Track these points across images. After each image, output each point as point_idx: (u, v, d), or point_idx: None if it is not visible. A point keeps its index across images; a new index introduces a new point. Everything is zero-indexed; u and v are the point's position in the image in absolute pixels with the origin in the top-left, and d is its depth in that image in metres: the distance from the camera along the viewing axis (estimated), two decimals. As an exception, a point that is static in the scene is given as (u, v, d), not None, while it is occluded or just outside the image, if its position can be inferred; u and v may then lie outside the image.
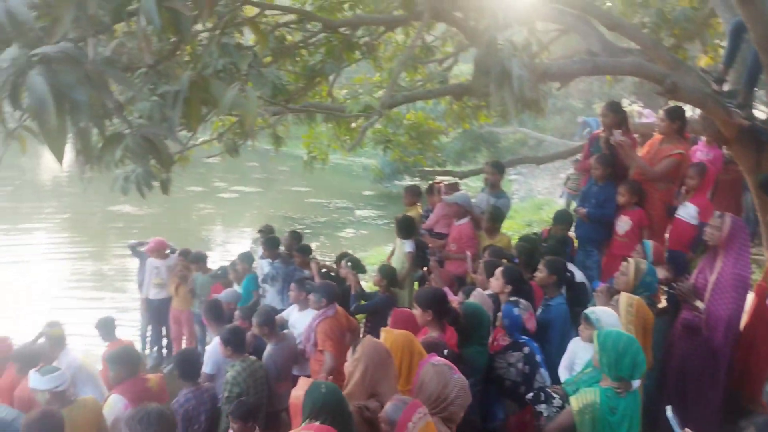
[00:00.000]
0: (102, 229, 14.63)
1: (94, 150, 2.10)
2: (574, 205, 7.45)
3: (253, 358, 4.64)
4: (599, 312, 3.66)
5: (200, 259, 7.37)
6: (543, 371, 3.85)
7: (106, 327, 5.69)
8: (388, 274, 5.66)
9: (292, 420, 2.78)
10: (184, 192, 18.45)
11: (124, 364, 4.25)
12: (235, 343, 4.50)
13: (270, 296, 6.74)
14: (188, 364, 4.47)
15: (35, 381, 3.84)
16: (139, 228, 13.46)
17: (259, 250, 7.35)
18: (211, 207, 17.43)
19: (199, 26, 4.27)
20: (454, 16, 4.64)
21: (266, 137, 8.51)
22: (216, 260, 9.44)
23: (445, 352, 3.34)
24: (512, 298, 4.19)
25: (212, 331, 5.41)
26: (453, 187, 6.93)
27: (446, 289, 4.66)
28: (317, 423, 2.42)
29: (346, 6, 6.95)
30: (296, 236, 7.37)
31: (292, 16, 6.38)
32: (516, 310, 4.00)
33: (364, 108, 4.34)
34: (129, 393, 4.10)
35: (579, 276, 5.23)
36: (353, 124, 8.32)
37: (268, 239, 7.07)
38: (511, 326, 4.00)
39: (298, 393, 2.65)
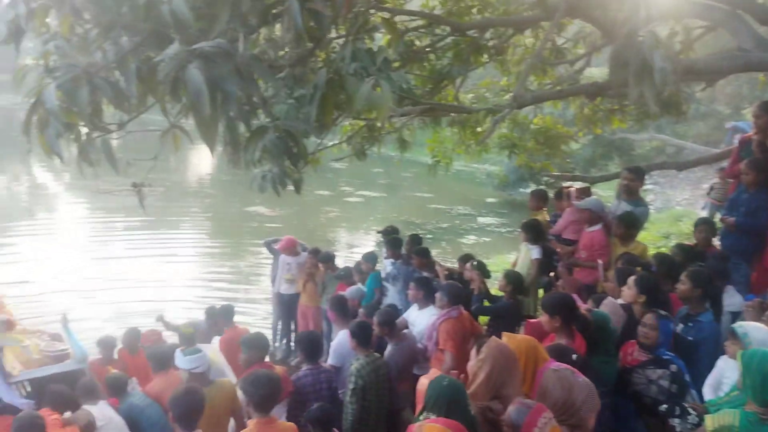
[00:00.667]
0: (238, 227, 15.66)
1: (240, 141, 2.24)
2: (718, 216, 6.85)
3: (376, 354, 4.73)
4: (749, 327, 3.32)
5: (329, 259, 7.65)
6: (693, 392, 3.57)
7: (227, 313, 6.26)
8: (514, 280, 5.52)
9: (417, 406, 2.80)
10: (313, 195, 19.31)
11: (257, 349, 4.52)
12: (361, 336, 4.61)
13: (391, 295, 6.85)
14: (311, 344, 4.68)
15: (179, 360, 4.20)
16: (271, 228, 14.25)
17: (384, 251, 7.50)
18: (337, 210, 18.06)
19: (332, 34, 4.45)
20: (590, 12, 4.45)
21: (392, 142, 8.67)
22: (341, 261, 9.75)
23: (573, 357, 3.19)
24: (662, 312, 3.92)
25: (337, 325, 5.58)
26: (584, 192, 6.61)
27: (574, 296, 4.45)
28: (434, 416, 2.41)
29: (474, 10, 6.93)
30: (416, 239, 7.42)
31: (420, 21, 6.47)
32: (671, 326, 3.75)
33: (492, 108, 4.27)
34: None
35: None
36: (479, 128, 8.24)
37: (391, 239, 7.19)
38: (663, 342, 3.75)
39: (424, 381, 2.66)
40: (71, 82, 1.79)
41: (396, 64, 6.31)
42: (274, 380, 3.59)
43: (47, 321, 8.54)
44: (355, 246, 14.39)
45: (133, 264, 12.00)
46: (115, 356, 5.68)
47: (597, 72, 10.35)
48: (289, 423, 3.79)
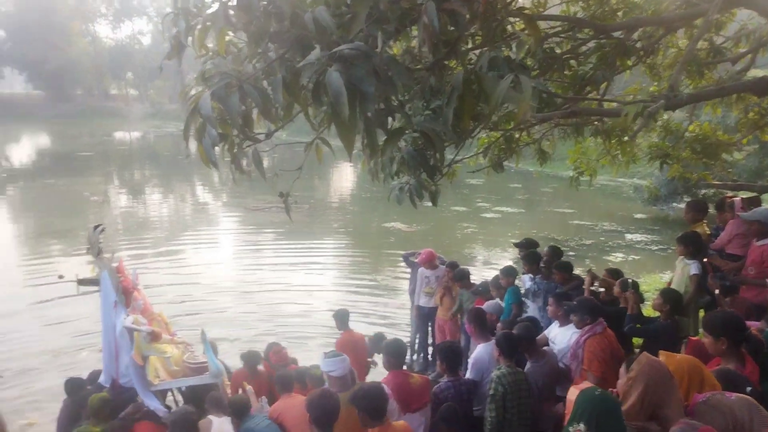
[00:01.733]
0: (377, 242, 16.05)
1: (378, 144, 2.26)
2: None
3: (519, 369, 4.57)
4: None
5: (464, 276, 7.53)
6: None
7: (342, 318, 6.46)
8: (672, 298, 5.06)
9: (566, 416, 2.63)
10: (449, 211, 19.32)
11: (396, 355, 4.56)
12: (506, 347, 4.48)
13: (531, 312, 6.58)
14: (452, 355, 4.62)
15: (321, 363, 4.35)
16: (408, 243, 14.43)
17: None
18: (474, 226, 17.87)
19: (468, 44, 4.40)
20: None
21: (531, 156, 8.40)
22: (477, 278, 9.60)
23: (748, 389, 2.81)
24: None
25: (475, 338, 5.46)
26: (752, 202, 5.92)
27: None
28: (584, 427, 2.23)
29: (620, 14, 6.54)
30: (556, 251, 7.07)
31: (560, 27, 6.22)
32: None
33: (642, 109, 3.96)
34: (392, 383, 4.38)
35: None
36: (625, 138, 7.73)
37: (529, 254, 6.92)
38: None
39: (574, 390, 2.48)
40: (224, 89, 1.92)
41: (534, 73, 6.12)
42: (381, 392, 3.69)
43: (206, 319, 9.46)
44: (491, 262, 14.12)
45: (279, 273, 12.83)
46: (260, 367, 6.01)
47: (763, 74, 9.30)
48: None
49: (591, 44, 6.38)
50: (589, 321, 4.76)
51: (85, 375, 5.93)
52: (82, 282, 11.12)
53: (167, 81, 68.17)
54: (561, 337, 5.18)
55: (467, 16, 2.09)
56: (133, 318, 5.23)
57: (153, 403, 4.99)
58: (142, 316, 5.41)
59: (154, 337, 5.19)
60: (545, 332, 5.57)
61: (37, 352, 8.83)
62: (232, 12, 2.03)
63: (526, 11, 5.76)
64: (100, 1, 75.91)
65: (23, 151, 42.73)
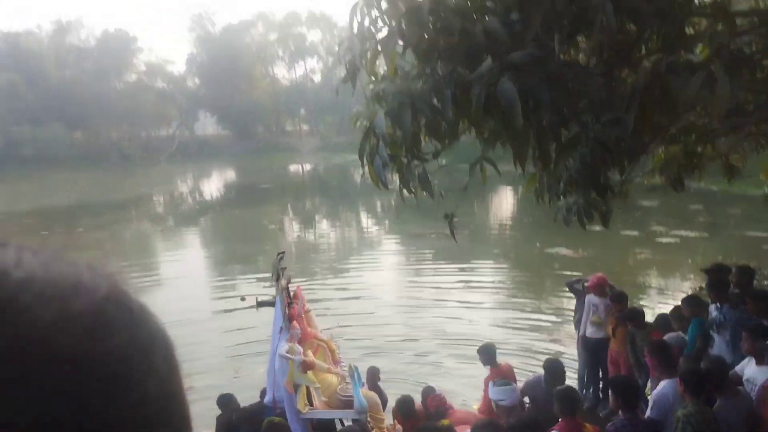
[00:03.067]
0: (539, 269, 15.47)
1: (551, 156, 2.17)
2: None
3: (708, 407, 4.08)
4: None
5: (636, 316, 6.87)
6: None
7: (488, 353, 6.10)
8: None
9: None
10: (619, 236, 18.05)
11: (568, 403, 4.29)
12: (692, 383, 4.05)
13: (717, 345, 5.85)
14: (629, 390, 4.26)
15: (490, 391, 4.24)
16: (574, 269, 13.71)
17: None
18: (648, 252, 16.52)
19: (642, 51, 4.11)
20: None
21: (715, 173, 7.58)
22: (651, 311, 8.81)
23: None
24: None
25: (657, 373, 4.98)
26: None
27: None
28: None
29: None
30: (746, 271, 6.22)
31: (747, 25, 5.58)
32: None
33: None
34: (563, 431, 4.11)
35: None
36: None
37: (714, 280, 6.18)
38: None
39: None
40: (398, 108, 1.96)
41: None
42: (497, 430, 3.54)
43: (373, 333, 9.72)
44: (667, 292, 12.90)
45: (441, 296, 12.84)
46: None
47: None
48: None
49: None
50: None
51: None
52: (261, 304, 12.05)
53: (335, 115, 72.75)
54: (761, 376, 4.53)
55: (650, 12, 1.94)
56: (288, 346, 5.52)
57: (299, 431, 5.20)
58: (300, 344, 5.66)
59: (306, 366, 5.42)
60: (736, 368, 4.93)
61: (220, 367, 9.68)
62: (404, 30, 2.09)
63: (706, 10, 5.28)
64: (278, 46, 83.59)
65: (213, 185, 48.07)
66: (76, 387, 0.34)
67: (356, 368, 5.74)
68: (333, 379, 5.99)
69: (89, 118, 66.75)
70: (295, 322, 5.81)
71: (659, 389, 4.63)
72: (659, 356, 4.85)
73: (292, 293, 6.32)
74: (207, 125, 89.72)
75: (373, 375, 6.60)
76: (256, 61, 78.94)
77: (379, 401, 5.79)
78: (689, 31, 4.40)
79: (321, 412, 5.54)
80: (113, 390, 0.36)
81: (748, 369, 4.78)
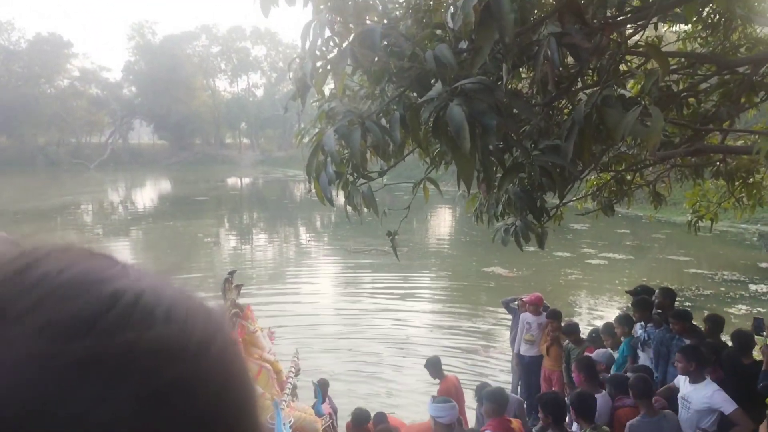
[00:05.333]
0: (476, 287, 15.76)
1: (495, 179, 2.24)
2: None
3: (606, 429, 4.27)
4: None
5: (573, 332, 7.17)
6: None
7: (435, 366, 6.32)
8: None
9: None
10: (552, 257, 18.67)
11: (496, 403, 4.41)
12: (581, 409, 4.23)
13: (642, 362, 6.15)
14: (556, 407, 4.42)
15: (429, 407, 4.27)
16: (508, 288, 14.06)
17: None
18: (578, 272, 17.13)
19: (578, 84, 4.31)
20: None
21: (643, 198, 7.99)
22: (583, 327, 9.14)
23: None
24: None
25: (584, 389, 5.16)
26: None
27: None
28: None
29: (743, 50, 6.18)
30: (669, 294, 6.58)
31: (677, 65, 5.95)
32: None
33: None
34: (494, 430, 4.22)
35: None
36: (750, 179, 7.21)
37: (639, 300, 6.51)
38: None
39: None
40: (347, 126, 1.98)
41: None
42: None
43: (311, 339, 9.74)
44: (597, 311, 13.43)
45: (375, 319, 12.91)
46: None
47: None
48: None
49: (712, 81, 6.04)
50: None
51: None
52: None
53: (276, 130, 72.24)
54: (694, 395, 4.74)
55: (589, 49, 2.04)
56: None
57: None
58: None
59: None
60: (675, 381, 5.16)
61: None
62: (356, 52, 2.11)
63: (641, 49, 5.59)
64: (220, 59, 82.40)
65: (147, 195, 46.52)
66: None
67: (316, 384, 5.92)
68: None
69: (16, 123, 63.54)
70: None
71: None
72: (585, 372, 5.03)
73: (235, 313, 6.17)
74: (143, 134, 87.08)
75: (323, 386, 6.67)
76: (197, 73, 77.50)
77: (311, 426, 5.72)
78: (623, 68, 4.66)
79: None
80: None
81: (683, 387, 5.01)
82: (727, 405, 4.51)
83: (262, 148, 78.85)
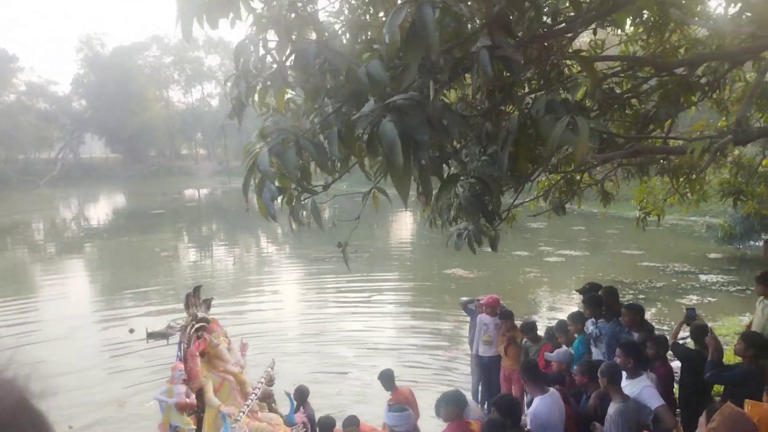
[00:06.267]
0: (438, 289, 15.88)
1: (432, 192, 2.27)
2: None
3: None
4: None
5: (531, 329, 7.30)
6: None
7: (387, 378, 6.32)
8: (755, 342, 4.74)
9: None
10: (510, 256, 18.97)
11: (455, 406, 4.46)
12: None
13: (595, 357, 6.29)
14: (510, 408, 4.48)
15: (386, 415, 4.28)
16: (469, 289, 14.21)
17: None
18: (536, 270, 17.45)
19: (524, 89, 4.40)
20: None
21: (593, 198, 8.18)
22: (542, 324, 9.33)
23: None
24: None
25: (530, 391, 5.26)
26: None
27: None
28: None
29: (681, 50, 6.41)
30: (611, 291, 6.78)
31: (619, 67, 6.14)
32: None
33: (709, 145, 3.81)
34: None
35: None
36: (693, 175, 7.48)
37: (590, 297, 6.68)
38: None
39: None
40: (281, 144, 1.98)
41: (593, 114, 6.03)
42: None
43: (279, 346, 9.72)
44: (556, 308, 13.69)
45: (340, 322, 12.89)
46: None
47: None
48: None
49: (652, 82, 6.25)
50: None
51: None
52: (151, 335, 11.47)
53: (233, 139, 71.29)
54: (630, 388, 4.88)
55: (521, 61, 2.10)
56: (167, 388, 5.46)
57: None
58: (188, 383, 5.54)
59: (179, 407, 5.36)
60: None
61: (104, 402, 9.07)
62: (289, 72, 2.12)
63: (583, 53, 5.75)
64: (173, 69, 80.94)
65: (101, 210, 45.29)
66: None
67: (289, 394, 5.97)
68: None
69: (-39, 139, 61.15)
70: (178, 363, 5.65)
71: (534, 407, 4.88)
72: (527, 376, 5.10)
73: (200, 327, 6.08)
74: (94, 148, 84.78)
75: (302, 393, 6.65)
76: (150, 84, 75.96)
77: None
78: (567, 72, 4.77)
79: None
80: None
81: (623, 381, 5.15)
82: (654, 401, 4.64)
83: (219, 158, 77.73)
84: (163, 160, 77.79)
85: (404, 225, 30.62)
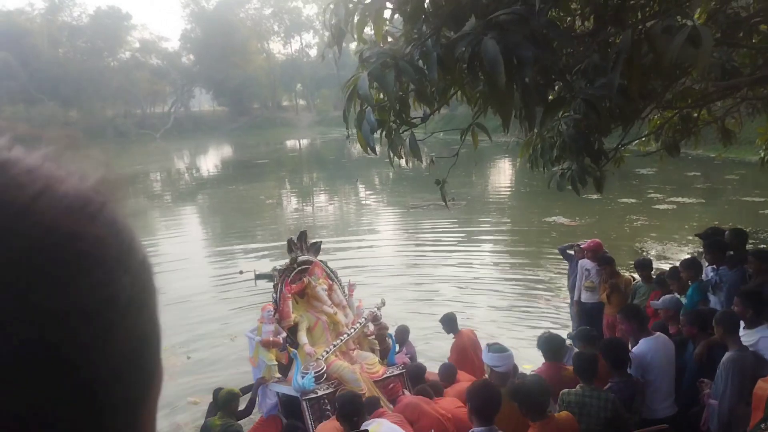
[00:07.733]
0: (538, 238, 15.53)
1: (536, 116, 2.17)
2: None
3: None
4: None
5: (645, 267, 7.03)
6: None
7: (449, 322, 6.33)
8: None
9: (754, 412, 2.33)
10: (616, 203, 18.11)
11: (550, 350, 4.43)
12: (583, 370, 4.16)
13: (712, 306, 5.93)
14: (616, 352, 4.37)
15: (484, 355, 4.31)
16: (571, 237, 13.77)
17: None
18: (644, 218, 16.55)
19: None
20: None
21: (711, 137, 7.56)
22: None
23: None
24: None
25: (632, 334, 5.08)
26: None
27: None
28: None
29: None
30: (740, 234, 6.28)
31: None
32: None
33: None
34: (546, 375, 4.28)
35: None
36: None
37: (713, 242, 6.24)
38: None
39: (763, 385, 2.20)
40: (380, 68, 1.96)
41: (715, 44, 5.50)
42: (540, 387, 3.69)
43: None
44: (665, 257, 12.97)
45: (439, 269, 12.94)
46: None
47: None
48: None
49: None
50: None
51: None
52: (259, 276, 12.06)
53: (332, 89, 72.22)
54: (746, 339, 4.57)
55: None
56: (257, 326, 5.78)
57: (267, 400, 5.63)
58: (280, 322, 5.83)
59: (264, 344, 5.65)
60: None
61: (221, 337, 9.77)
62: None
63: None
64: (273, 20, 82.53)
65: (210, 161, 47.88)
66: (47, 262, 0.32)
67: (390, 335, 6.11)
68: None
69: (84, 97, 66.13)
70: (269, 304, 5.97)
71: (636, 348, 4.74)
72: (629, 322, 4.92)
73: (302, 269, 6.34)
74: (203, 101, 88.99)
75: (402, 333, 6.74)
76: (251, 36, 78.01)
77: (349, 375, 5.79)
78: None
79: (278, 386, 5.76)
80: (86, 275, 0.34)
81: (741, 331, 4.84)
82: None
83: (319, 109, 79.21)
84: (266, 112, 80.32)
85: (503, 172, 30.00)
